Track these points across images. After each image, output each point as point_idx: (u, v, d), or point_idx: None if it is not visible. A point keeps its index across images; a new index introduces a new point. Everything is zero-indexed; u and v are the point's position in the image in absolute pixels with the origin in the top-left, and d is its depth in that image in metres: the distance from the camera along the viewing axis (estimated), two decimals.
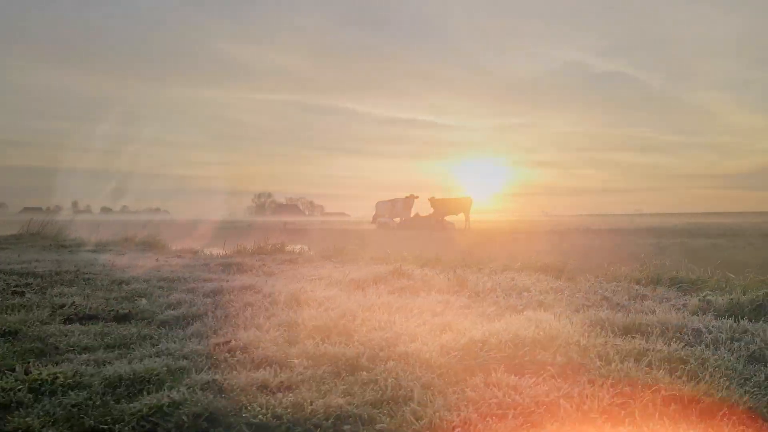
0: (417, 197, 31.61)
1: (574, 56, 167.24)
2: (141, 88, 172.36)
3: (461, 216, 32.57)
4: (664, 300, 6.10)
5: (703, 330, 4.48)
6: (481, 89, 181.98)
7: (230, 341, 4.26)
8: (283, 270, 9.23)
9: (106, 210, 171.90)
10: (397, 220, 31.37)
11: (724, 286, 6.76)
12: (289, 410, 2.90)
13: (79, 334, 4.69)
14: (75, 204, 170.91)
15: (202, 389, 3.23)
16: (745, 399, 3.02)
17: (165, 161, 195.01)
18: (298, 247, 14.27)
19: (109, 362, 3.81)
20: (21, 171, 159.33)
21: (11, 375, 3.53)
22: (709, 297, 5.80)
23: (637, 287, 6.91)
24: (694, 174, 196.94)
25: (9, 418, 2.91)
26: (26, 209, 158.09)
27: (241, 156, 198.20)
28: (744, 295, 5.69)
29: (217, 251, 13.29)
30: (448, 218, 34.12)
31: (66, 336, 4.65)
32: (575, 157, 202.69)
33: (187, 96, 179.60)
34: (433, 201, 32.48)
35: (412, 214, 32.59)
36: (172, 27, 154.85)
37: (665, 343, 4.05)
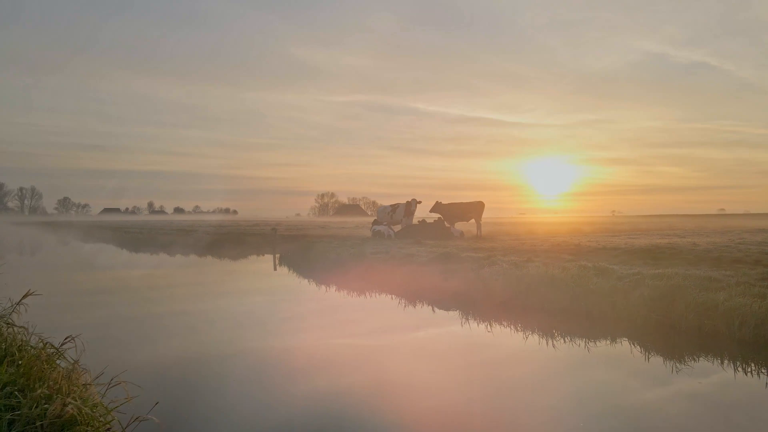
0: (420, 202, 29.30)
1: (653, 47, 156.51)
2: (218, 93, 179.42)
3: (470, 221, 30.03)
4: None
5: None
6: (553, 85, 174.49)
7: None
8: None
9: (179, 210, 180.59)
10: (398, 227, 29.28)
11: None
12: None
13: None
14: (150, 204, 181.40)
15: None
16: None
17: (237, 163, 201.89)
18: None
19: None
20: (103, 174, 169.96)
21: None
22: None
23: None
24: None
25: None
26: (106, 210, 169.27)
27: (309, 157, 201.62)
28: None
29: None
30: (459, 224, 31.70)
31: None
32: (651, 153, 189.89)
33: (260, 99, 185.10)
34: (438, 206, 30.11)
35: (416, 221, 30.40)
36: (247, 34, 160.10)
37: None
